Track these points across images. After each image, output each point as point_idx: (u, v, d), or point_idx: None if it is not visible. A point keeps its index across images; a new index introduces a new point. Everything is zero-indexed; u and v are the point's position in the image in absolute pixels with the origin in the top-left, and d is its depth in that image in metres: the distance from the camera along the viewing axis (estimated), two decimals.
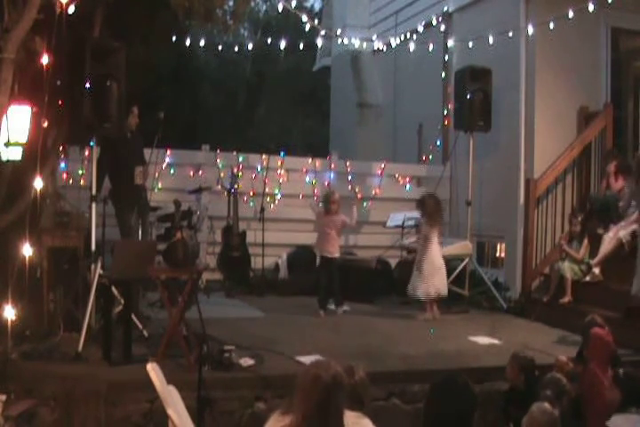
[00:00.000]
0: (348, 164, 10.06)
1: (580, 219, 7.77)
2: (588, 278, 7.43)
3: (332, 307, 7.73)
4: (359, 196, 9.96)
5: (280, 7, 8.42)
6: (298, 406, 2.80)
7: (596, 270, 7.40)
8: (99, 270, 5.75)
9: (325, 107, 16.24)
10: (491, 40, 8.47)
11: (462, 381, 2.79)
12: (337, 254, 7.71)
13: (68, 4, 4.96)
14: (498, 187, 9.08)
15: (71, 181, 7.97)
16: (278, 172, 9.66)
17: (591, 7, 7.47)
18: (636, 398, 4.21)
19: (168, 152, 9.04)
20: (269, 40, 11.95)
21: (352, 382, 3.39)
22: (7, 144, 5.13)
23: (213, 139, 11.46)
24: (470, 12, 10.00)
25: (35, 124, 5.25)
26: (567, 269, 7.46)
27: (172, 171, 9.21)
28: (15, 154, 5.22)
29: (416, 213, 8.09)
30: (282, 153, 9.78)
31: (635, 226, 7.32)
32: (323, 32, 10.99)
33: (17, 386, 4.67)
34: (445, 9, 10.41)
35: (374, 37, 12.03)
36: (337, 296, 7.71)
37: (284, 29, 19.05)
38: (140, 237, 7.08)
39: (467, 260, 8.45)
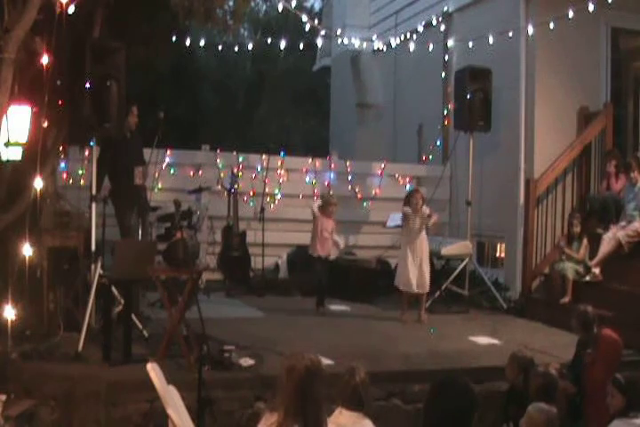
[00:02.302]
0: (348, 164, 10.06)
1: (579, 219, 7.77)
2: (588, 278, 7.43)
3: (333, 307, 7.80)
4: (359, 196, 9.97)
5: (280, 7, 8.42)
6: (280, 401, 2.83)
7: (596, 270, 7.40)
8: (99, 270, 5.76)
9: (325, 107, 16.24)
10: (491, 40, 8.47)
11: (462, 381, 2.79)
12: (330, 254, 7.83)
13: (67, 4, 4.96)
14: (498, 187, 9.07)
15: (71, 181, 7.97)
16: (278, 172, 9.66)
17: (591, 7, 7.47)
18: (636, 404, 4.21)
19: (168, 152, 9.03)
20: (269, 40, 11.97)
21: (353, 383, 3.41)
22: (7, 144, 5.13)
23: (213, 139, 11.47)
24: (470, 12, 10.00)
25: (35, 124, 5.25)
26: (569, 269, 7.46)
27: (171, 171, 9.21)
28: (15, 154, 5.21)
29: None
30: (282, 153, 9.78)
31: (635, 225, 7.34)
32: (323, 32, 11.00)
33: (17, 386, 4.67)
34: (445, 9, 10.41)
35: (374, 37, 12.02)
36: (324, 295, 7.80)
37: (284, 29, 19.03)
38: (140, 237, 7.08)
39: (467, 260, 8.45)
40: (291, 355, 2.99)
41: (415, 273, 7.32)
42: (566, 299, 7.38)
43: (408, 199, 7.55)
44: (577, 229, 7.69)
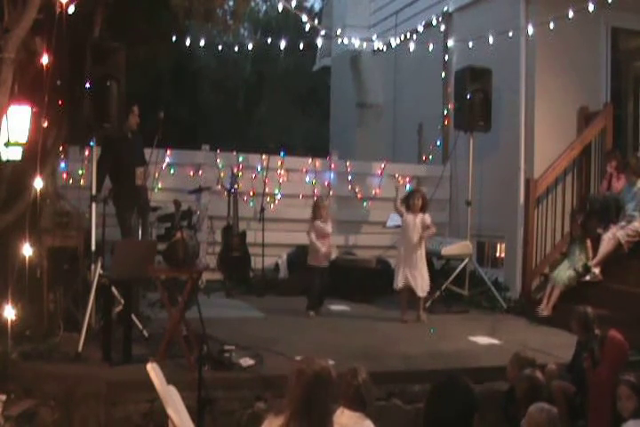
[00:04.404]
0: (348, 164, 10.06)
1: (579, 221, 7.76)
2: (588, 278, 7.42)
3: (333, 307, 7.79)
4: (359, 196, 9.98)
5: (280, 7, 8.42)
6: (286, 404, 2.81)
7: (596, 270, 7.40)
8: (99, 270, 5.76)
9: (325, 107, 16.24)
10: (491, 40, 8.47)
11: (463, 382, 2.79)
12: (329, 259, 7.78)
13: (67, 4, 4.96)
14: (498, 187, 9.07)
15: (71, 181, 7.97)
16: (278, 172, 9.66)
17: (591, 7, 7.47)
18: None
19: (168, 152, 9.03)
20: (269, 40, 11.95)
21: (356, 384, 3.41)
22: (7, 144, 5.13)
23: (213, 139, 11.46)
24: (470, 12, 10.00)
25: (35, 124, 5.25)
26: (561, 279, 7.42)
27: (172, 171, 9.21)
28: (15, 154, 5.22)
29: None
30: (282, 153, 9.78)
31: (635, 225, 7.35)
32: (323, 32, 11.00)
33: (17, 386, 4.67)
34: (445, 9, 10.41)
35: (374, 37, 12.02)
36: (322, 300, 7.74)
37: (284, 29, 19.03)
38: (140, 237, 7.08)
39: (467, 260, 8.45)
40: (302, 359, 2.97)
41: (414, 276, 7.32)
42: (549, 308, 7.37)
43: (407, 199, 7.54)
44: (577, 231, 7.69)
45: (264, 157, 9.45)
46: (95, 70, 5.84)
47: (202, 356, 4.69)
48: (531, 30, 8.20)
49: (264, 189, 9.30)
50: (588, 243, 7.56)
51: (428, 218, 7.48)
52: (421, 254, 7.45)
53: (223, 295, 8.35)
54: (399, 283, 7.40)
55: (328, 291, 7.83)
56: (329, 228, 7.59)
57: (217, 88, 19.60)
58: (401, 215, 7.63)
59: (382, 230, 9.50)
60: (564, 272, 7.48)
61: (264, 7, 21.69)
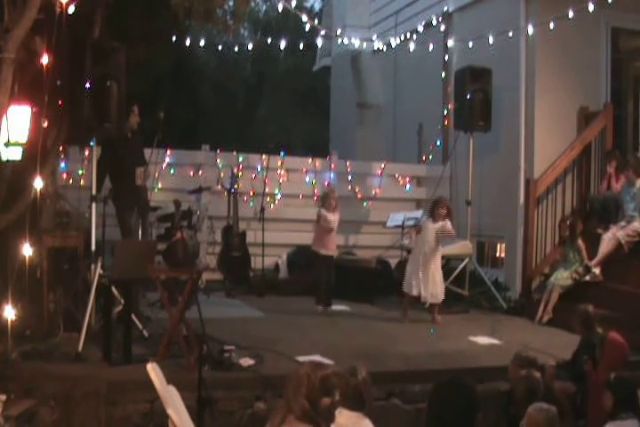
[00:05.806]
0: (347, 164, 10.07)
1: (568, 222, 7.75)
2: (587, 278, 7.42)
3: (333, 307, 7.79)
4: (359, 196, 9.98)
5: (280, 7, 8.42)
6: (288, 409, 2.80)
7: (596, 270, 7.39)
8: (99, 270, 5.76)
9: (325, 107, 16.24)
10: (491, 40, 8.47)
11: (466, 383, 2.79)
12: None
13: (67, 4, 4.97)
14: (498, 187, 9.08)
15: (71, 181, 7.97)
16: (278, 172, 9.66)
17: (591, 7, 7.47)
18: (625, 403, 4.19)
19: (168, 152, 9.04)
20: (269, 40, 11.97)
21: (354, 383, 3.40)
22: (7, 144, 5.13)
23: (213, 139, 11.47)
24: (470, 12, 10.00)
25: (35, 124, 5.25)
26: (558, 282, 7.42)
27: (171, 171, 9.21)
28: (15, 154, 5.22)
29: (416, 213, 8.11)
30: (282, 153, 9.78)
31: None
32: (323, 32, 11.00)
33: (17, 386, 4.67)
34: (445, 9, 10.41)
35: (374, 37, 12.02)
36: (329, 295, 7.74)
37: (284, 29, 19.04)
38: (140, 237, 7.08)
39: (467, 260, 8.45)
40: (309, 363, 2.96)
41: (427, 283, 7.23)
42: (545, 317, 7.35)
43: (432, 209, 7.41)
44: (566, 233, 7.69)
45: (264, 157, 9.45)
46: (95, 70, 5.84)
47: (202, 356, 4.69)
48: (531, 30, 8.20)
49: (264, 189, 9.29)
50: (580, 243, 7.54)
51: (448, 224, 7.35)
52: (437, 260, 7.39)
53: (223, 295, 8.34)
54: (413, 290, 7.26)
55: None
56: (335, 217, 7.56)
57: (217, 88, 19.61)
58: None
59: (382, 230, 9.49)
60: (560, 275, 7.49)
61: (264, 7, 21.70)
